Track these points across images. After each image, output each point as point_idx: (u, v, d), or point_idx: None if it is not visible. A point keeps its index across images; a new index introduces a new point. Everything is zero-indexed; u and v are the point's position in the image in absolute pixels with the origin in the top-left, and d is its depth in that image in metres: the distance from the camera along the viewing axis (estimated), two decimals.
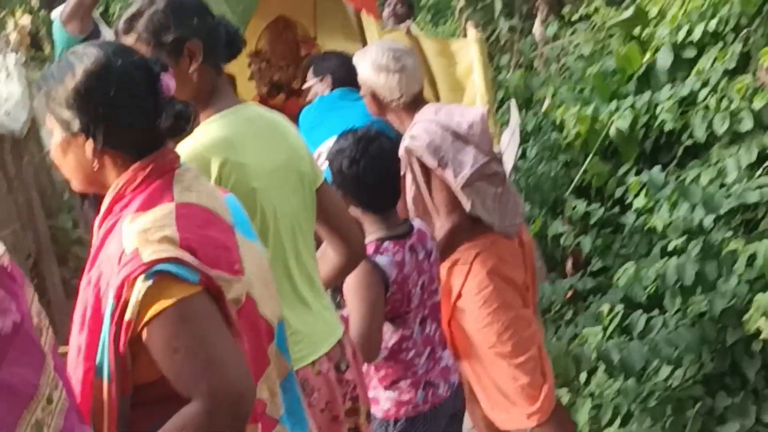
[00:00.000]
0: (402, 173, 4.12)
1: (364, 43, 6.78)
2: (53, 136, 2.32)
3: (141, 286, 2.09)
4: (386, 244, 3.57)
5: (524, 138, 8.11)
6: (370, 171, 3.55)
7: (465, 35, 6.43)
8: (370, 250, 3.51)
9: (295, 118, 7.81)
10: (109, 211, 2.31)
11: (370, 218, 3.63)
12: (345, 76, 5.48)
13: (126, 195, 2.29)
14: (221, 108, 2.93)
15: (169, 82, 2.30)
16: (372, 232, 3.60)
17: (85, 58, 2.27)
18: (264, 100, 7.69)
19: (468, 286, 4.33)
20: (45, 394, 1.87)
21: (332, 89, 5.59)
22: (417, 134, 4.24)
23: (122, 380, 2.13)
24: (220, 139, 2.85)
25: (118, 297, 2.10)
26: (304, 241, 3.07)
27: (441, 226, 4.27)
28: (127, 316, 2.09)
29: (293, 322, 2.90)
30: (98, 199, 2.45)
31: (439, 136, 4.23)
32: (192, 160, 2.71)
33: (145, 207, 2.24)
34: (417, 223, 3.81)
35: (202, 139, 2.86)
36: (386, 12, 8.90)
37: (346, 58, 5.78)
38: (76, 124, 2.27)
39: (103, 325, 2.13)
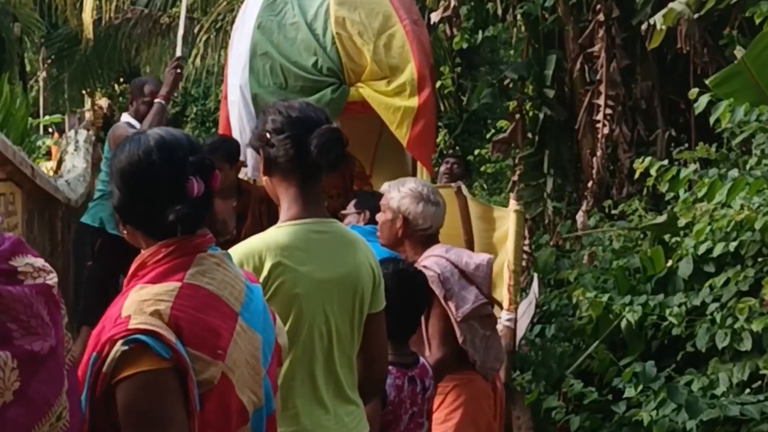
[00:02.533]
0: None
1: None
2: None
3: (118, 348, 2.35)
4: (391, 368, 3.84)
5: (547, 317, 8.45)
6: (399, 304, 3.83)
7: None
8: None
9: None
10: (132, 275, 2.58)
11: None
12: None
13: (148, 265, 2.55)
14: (297, 217, 3.29)
15: (196, 184, 2.54)
16: None
17: (138, 144, 2.59)
18: None
19: (436, 415, 4.58)
20: (56, 413, 2.16)
21: (366, 224, 5.92)
22: (429, 265, 4.60)
23: (94, 424, 2.37)
24: (279, 244, 3.22)
25: (100, 351, 2.38)
26: (341, 351, 3.30)
27: (431, 354, 4.55)
28: (104, 369, 2.36)
29: (303, 419, 3.20)
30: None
31: (448, 270, 4.61)
32: (250, 254, 3.15)
33: (156, 280, 2.50)
34: (423, 359, 4.14)
35: (265, 239, 3.25)
36: (443, 167, 9.34)
37: None
38: (114, 198, 2.62)
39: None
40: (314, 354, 3.24)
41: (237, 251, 3.20)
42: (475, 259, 4.79)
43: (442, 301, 4.57)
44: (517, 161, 11.49)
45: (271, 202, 7.18)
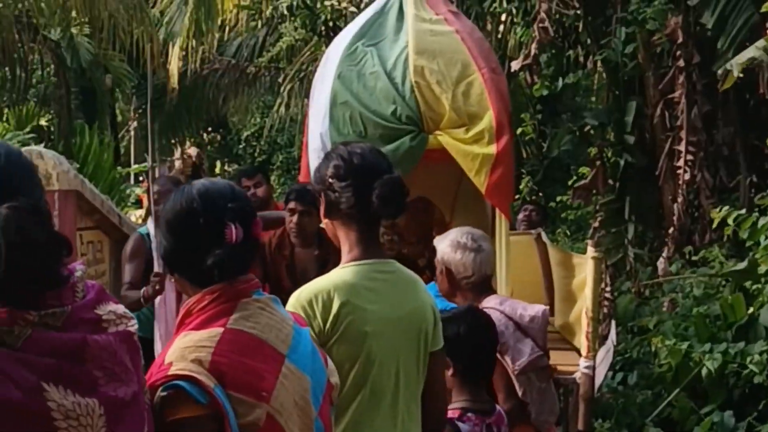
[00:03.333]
0: None
1: (493, 237, 7.15)
2: None
3: (159, 394, 2.43)
4: (470, 414, 3.87)
5: (630, 365, 8.41)
6: (470, 347, 3.90)
7: None
8: (453, 415, 3.80)
9: None
10: (180, 323, 2.67)
11: (463, 387, 3.94)
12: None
13: (193, 313, 2.62)
14: (360, 258, 3.35)
15: (234, 230, 2.60)
16: (459, 401, 3.91)
17: (182, 193, 2.70)
18: None
19: None
20: None
21: None
22: None
23: None
24: (347, 283, 3.28)
25: (149, 396, 2.45)
26: (407, 390, 3.34)
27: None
28: (153, 413, 2.42)
29: None
30: None
31: (503, 324, 4.54)
32: (318, 293, 3.22)
33: (199, 327, 2.57)
34: (499, 407, 4.12)
35: (333, 279, 3.31)
36: (521, 215, 9.32)
37: None
38: (161, 247, 2.74)
39: None
40: (383, 393, 3.28)
41: (306, 291, 3.27)
42: (530, 310, 4.72)
43: (498, 356, 4.50)
44: (598, 207, 11.46)
45: None
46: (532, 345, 4.61)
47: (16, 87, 16.14)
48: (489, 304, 4.66)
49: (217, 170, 28.50)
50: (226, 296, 2.62)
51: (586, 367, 5.99)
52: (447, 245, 4.74)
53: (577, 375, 5.98)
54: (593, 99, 14.94)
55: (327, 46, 13.32)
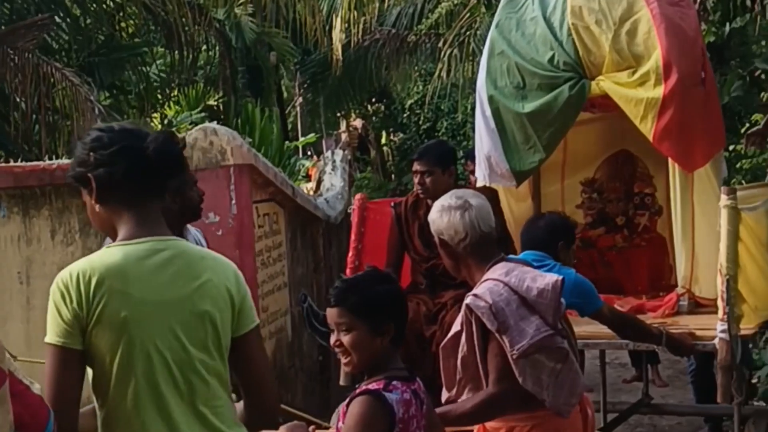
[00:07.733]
0: (459, 329, 4.09)
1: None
2: None
3: None
4: (395, 382, 3.45)
5: None
6: (373, 302, 3.49)
7: None
8: (378, 386, 3.43)
9: (605, 253, 7.81)
10: None
11: (384, 353, 3.53)
12: (532, 240, 5.40)
13: None
14: (132, 236, 3.03)
15: None
16: (381, 371, 3.50)
17: None
18: (585, 231, 7.83)
19: None
20: None
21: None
22: (481, 294, 4.02)
23: None
24: (106, 265, 2.96)
25: None
26: (201, 380, 3.04)
27: (485, 391, 4.06)
28: None
29: None
30: None
31: (503, 300, 3.97)
32: (75, 273, 2.93)
33: None
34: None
35: (93, 260, 2.99)
36: None
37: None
38: None
39: None
40: (160, 385, 3.00)
41: (66, 270, 2.99)
42: (540, 282, 4.05)
43: (497, 336, 3.97)
44: None
45: (496, 201, 6.82)
46: (537, 324, 3.98)
47: (185, 68, 16.60)
48: (493, 275, 4.07)
49: (383, 141, 28.72)
50: None
51: (722, 331, 5.66)
52: (433, 214, 4.21)
53: (715, 341, 5.67)
54: (763, 43, 14.38)
55: (486, 9, 13.25)
